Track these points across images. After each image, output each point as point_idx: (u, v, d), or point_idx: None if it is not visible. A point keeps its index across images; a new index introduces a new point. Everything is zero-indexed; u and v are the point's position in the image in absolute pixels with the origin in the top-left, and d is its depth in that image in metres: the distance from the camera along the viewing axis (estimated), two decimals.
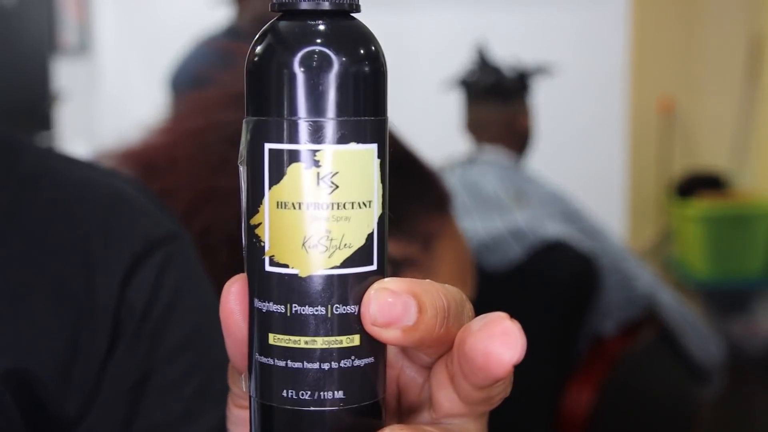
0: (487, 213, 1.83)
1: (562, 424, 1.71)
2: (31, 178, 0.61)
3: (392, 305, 0.34)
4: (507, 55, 2.11)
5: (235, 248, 0.74)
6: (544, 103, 2.26)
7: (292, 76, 0.34)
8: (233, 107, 0.86)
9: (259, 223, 0.35)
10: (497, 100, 2.02)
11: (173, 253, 0.61)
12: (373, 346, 0.35)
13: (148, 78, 2.12)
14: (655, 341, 1.88)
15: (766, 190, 4.06)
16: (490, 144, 2.01)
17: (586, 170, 3.06)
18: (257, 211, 0.35)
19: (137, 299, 0.58)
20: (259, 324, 0.35)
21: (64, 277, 0.57)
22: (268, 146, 0.34)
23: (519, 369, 0.35)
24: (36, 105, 2.34)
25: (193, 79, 1.85)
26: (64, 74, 2.82)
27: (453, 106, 2.15)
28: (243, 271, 0.36)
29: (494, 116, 2.02)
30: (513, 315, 0.35)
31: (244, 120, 0.35)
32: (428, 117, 2.78)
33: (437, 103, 2.47)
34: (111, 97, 3.15)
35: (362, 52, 0.35)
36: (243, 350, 0.37)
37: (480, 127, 2.04)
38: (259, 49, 0.35)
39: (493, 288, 1.59)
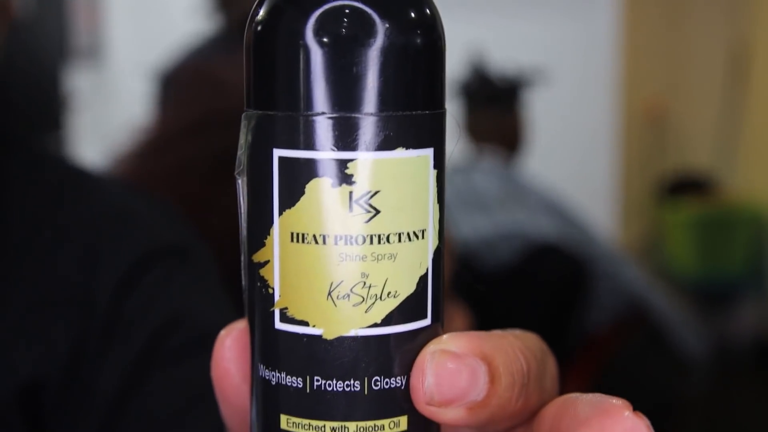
0: (482, 216, 1.87)
1: None
2: (56, 192, 0.61)
3: (455, 374, 0.24)
4: (497, 61, 2.12)
5: None
6: (536, 109, 2.30)
7: (309, 50, 0.23)
8: (216, 128, 0.79)
9: (266, 261, 0.24)
10: (489, 107, 2.08)
11: (174, 266, 0.59)
12: (424, 430, 0.25)
13: None
14: (646, 339, 1.92)
15: (751, 192, 4.15)
16: (485, 149, 2.07)
17: (576, 174, 3.09)
18: (263, 245, 0.24)
19: (128, 310, 0.56)
20: (266, 401, 0.25)
21: (69, 291, 0.57)
22: (277, 153, 0.24)
23: None
24: (48, 109, 2.39)
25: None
26: (76, 79, 2.86)
27: (452, 107, 2.21)
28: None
29: (487, 123, 2.07)
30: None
31: (243, 114, 0.25)
32: None
33: None
34: (122, 102, 3.18)
35: (414, 16, 0.24)
36: (245, 421, 0.27)
37: (474, 133, 2.10)
38: (262, 12, 0.24)
39: (487, 290, 1.60)
